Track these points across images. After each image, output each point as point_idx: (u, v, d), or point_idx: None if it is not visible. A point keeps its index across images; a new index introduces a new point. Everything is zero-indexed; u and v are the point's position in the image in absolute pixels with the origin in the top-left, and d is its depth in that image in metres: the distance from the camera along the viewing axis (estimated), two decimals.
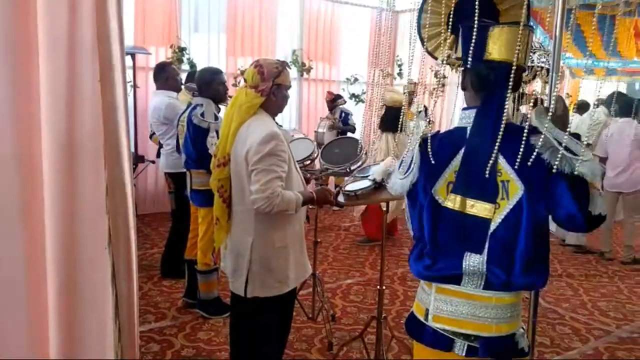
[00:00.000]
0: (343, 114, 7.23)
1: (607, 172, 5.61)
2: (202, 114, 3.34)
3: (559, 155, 1.39)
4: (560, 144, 1.40)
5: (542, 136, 1.43)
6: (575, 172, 1.38)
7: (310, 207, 2.66)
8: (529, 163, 1.43)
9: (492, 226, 1.49)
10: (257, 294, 2.30)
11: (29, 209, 1.12)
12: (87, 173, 1.09)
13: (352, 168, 3.37)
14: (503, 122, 1.48)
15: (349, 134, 6.77)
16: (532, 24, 6.72)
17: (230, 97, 3.75)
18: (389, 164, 2.95)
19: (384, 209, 3.03)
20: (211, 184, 2.38)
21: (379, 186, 2.85)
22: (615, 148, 5.51)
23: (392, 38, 8.86)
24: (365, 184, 2.87)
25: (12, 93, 1.06)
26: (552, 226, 5.69)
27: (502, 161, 1.50)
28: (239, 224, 2.34)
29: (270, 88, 2.25)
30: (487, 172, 1.47)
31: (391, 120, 5.07)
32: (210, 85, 3.45)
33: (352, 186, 2.90)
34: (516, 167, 1.46)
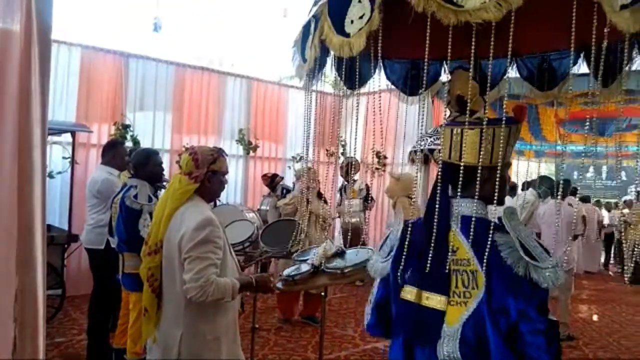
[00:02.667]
0: (284, 191, 7.29)
1: None
2: (135, 196, 3.29)
3: (519, 257, 1.43)
4: (522, 245, 1.45)
5: (507, 235, 1.48)
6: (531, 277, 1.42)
7: (248, 293, 2.60)
8: (490, 258, 1.46)
9: (466, 313, 1.48)
10: None
11: None
12: None
13: (292, 250, 3.36)
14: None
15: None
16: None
17: (167, 180, 3.74)
18: (328, 247, 2.98)
19: (322, 294, 3.01)
20: (141, 272, 2.30)
21: (317, 270, 2.86)
22: (547, 228, 5.81)
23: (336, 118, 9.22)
24: (303, 268, 2.87)
25: None
26: None
27: (470, 253, 1.52)
28: (167, 315, 2.24)
29: (205, 174, 2.26)
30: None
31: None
32: (145, 166, 3.43)
33: (289, 270, 2.89)
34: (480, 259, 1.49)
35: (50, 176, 6.08)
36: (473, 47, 1.53)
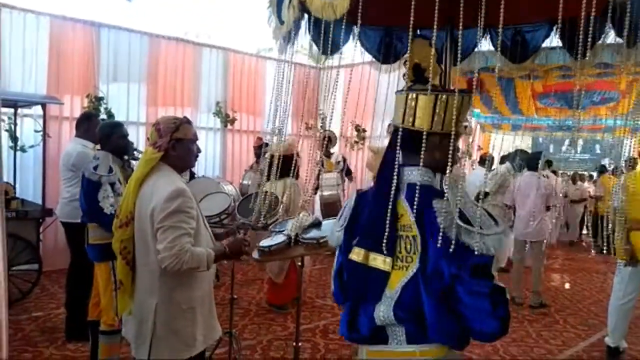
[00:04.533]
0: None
1: (516, 222, 6.03)
2: (95, 167, 3.24)
3: (452, 222, 1.47)
4: (461, 212, 1.48)
5: (446, 202, 1.51)
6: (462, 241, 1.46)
7: (225, 262, 2.60)
8: (427, 223, 1.50)
9: (405, 278, 1.53)
10: (163, 357, 2.18)
11: None
12: None
13: (268, 222, 3.36)
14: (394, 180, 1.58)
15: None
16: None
17: (137, 150, 3.69)
18: (303, 219, 2.99)
19: (299, 264, 3.03)
20: (113, 245, 2.28)
21: (293, 241, 2.87)
22: (522, 199, 5.93)
23: (315, 92, 9.17)
24: (279, 239, 2.88)
25: None
26: None
27: (412, 218, 1.56)
28: (142, 286, 2.24)
29: (169, 143, 2.24)
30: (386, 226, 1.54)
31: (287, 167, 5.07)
32: (109, 138, 3.39)
33: (266, 242, 2.90)
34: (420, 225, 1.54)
35: (23, 150, 5.95)
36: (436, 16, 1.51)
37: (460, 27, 1.61)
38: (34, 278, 5.08)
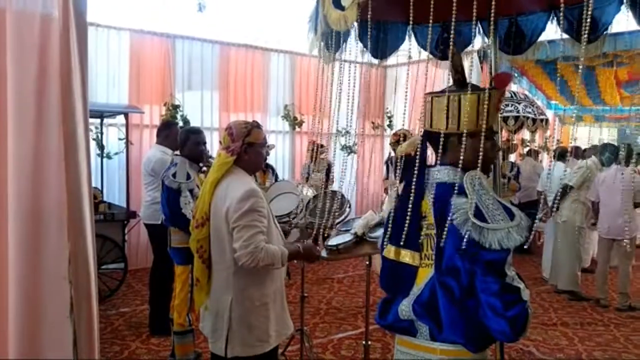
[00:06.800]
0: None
1: (600, 219, 5.67)
2: (174, 175, 3.39)
3: (466, 219, 1.48)
4: (478, 208, 1.48)
5: (464, 198, 1.52)
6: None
7: (295, 262, 2.68)
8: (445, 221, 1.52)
9: (429, 276, 1.58)
10: (238, 353, 2.28)
11: None
12: (51, 243, 1.13)
13: (336, 222, 3.40)
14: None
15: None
16: (516, 75, 6.79)
17: (211, 157, 3.85)
18: (370, 217, 3.00)
19: (367, 262, 3.05)
20: (190, 244, 2.41)
21: (360, 240, 2.89)
22: (607, 194, 5.56)
23: (381, 91, 9.12)
24: (346, 237, 2.91)
25: None
26: (545, 272, 5.64)
27: (433, 216, 1.60)
28: (217, 283, 2.35)
29: (241, 147, 2.34)
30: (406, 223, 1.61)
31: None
32: (184, 144, 3.53)
33: (334, 240, 2.94)
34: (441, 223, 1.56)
35: (108, 157, 6.41)
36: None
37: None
38: (120, 276, 5.47)
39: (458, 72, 1.66)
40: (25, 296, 1.17)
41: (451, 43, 1.79)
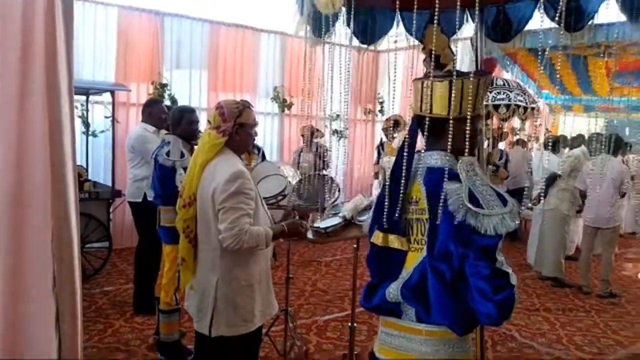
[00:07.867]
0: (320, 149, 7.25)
1: (585, 207, 5.74)
2: (168, 153, 3.36)
3: (461, 204, 1.47)
4: (472, 193, 1.47)
5: (458, 184, 1.51)
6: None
7: (282, 240, 2.67)
8: (437, 206, 1.52)
9: (418, 260, 1.58)
10: (222, 332, 2.27)
11: None
12: (35, 221, 1.10)
13: (324, 205, 3.39)
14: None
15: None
16: (508, 63, 6.77)
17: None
18: (359, 201, 2.99)
19: (355, 245, 3.04)
20: (177, 224, 2.38)
21: (348, 223, 2.88)
22: (594, 184, 5.61)
23: (373, 76, 9.07)
24: (335, 220, 2.89)
25: None
26: (530, 259, 5.71)
27: (425, 201, 1.59)
28: (203, 263, 2.33)
29: (232, 127, 2.30)
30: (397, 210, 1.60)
31: None
32: (178, 123, 3.48)
33: (321, 223, 2.92)
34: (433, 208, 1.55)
35: (94, 135, 6.31)
36: None
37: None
38: (105, 255, 5.43)
39: (437, 56, 1.65)
40: (7, 271, 1.15)
41: (435, 27, 1.78)
